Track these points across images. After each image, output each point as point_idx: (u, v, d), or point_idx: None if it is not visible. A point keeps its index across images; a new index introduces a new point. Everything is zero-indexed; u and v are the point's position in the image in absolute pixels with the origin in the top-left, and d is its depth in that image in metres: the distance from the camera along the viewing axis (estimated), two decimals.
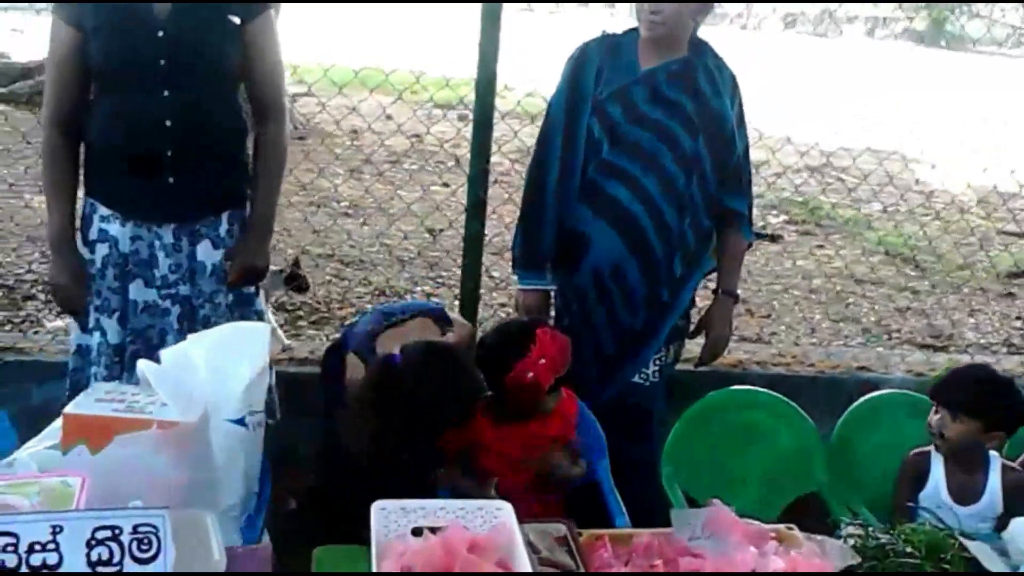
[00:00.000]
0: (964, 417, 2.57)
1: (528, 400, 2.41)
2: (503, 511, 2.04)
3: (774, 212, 7.35)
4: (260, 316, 2.84)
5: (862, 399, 2.97)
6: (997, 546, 2.26)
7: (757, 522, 2.18)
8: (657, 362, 2.91)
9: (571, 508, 2.51)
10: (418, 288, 5.05)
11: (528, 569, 1.85)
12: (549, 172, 2.83)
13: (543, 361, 2.35)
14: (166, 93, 2.50)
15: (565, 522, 2.11)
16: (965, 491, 2.64)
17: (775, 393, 2.92)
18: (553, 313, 3.01)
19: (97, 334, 2.65)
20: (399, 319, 2.64)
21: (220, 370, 2.21)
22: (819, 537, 2.14)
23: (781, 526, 2.19)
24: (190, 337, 2.29)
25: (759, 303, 5.35)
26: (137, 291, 2.62)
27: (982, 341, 5.03)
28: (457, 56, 5.43)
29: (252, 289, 2.77)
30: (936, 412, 2.63)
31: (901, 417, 2.88)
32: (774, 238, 6.69)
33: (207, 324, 2.64)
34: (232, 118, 2.66)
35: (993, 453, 2.67)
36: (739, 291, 2.99)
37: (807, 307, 5.45)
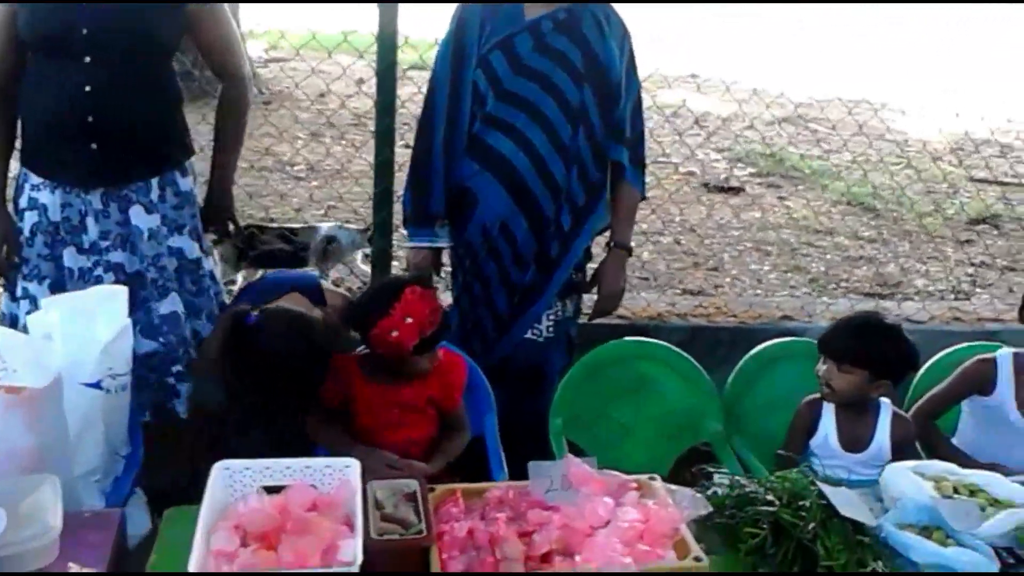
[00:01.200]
0: (848, 367, 2.55)
1: (395, 359, 2.39)
2: (351, 468, 2.04)
3: (740, 164, 7.28)
4: (212, 278, 2.87)
5: (755, 349, 2.94)
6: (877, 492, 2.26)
7: (618, 474, 2.18)
8: (551, 317, 2.89)
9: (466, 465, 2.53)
10: None
11: (359, 526, 1.85)
12: (436, 127, 2.79)
13: (409, 320, 2.32)
14: (87, 60, 2.52)
15: (419, 479, 2.10)
16: (854, 438, 2.63)
17: (667, 344, 2.90)
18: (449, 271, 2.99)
19: (25, 302, 2.68)
20: (272, 297, 2.59)
21: (75, 335, 2.21)
22: (674, 487, 2.13)
23: (644, 476, 2.18)
24: (44, 302, 2.29)
25: (707, 255, 5.31)
26: (71, 258, 2.65)
27: (930, 288, 4.98)
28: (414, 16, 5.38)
29: (199, 252, 2.78)
30: (824, 362, 2.61)
31: (799, 366, 2.84)
32: (735, 190, 6.63)
33: (158, 288, 2.69)
34: (160, 86, 2.68)
35: (885, 400, 2.66)
36: (632, 243, 2.94)
37: (758, 258, 5.42)
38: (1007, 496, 2.29)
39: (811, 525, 2.02)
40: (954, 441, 2.82)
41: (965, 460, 2.65)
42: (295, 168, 6.27)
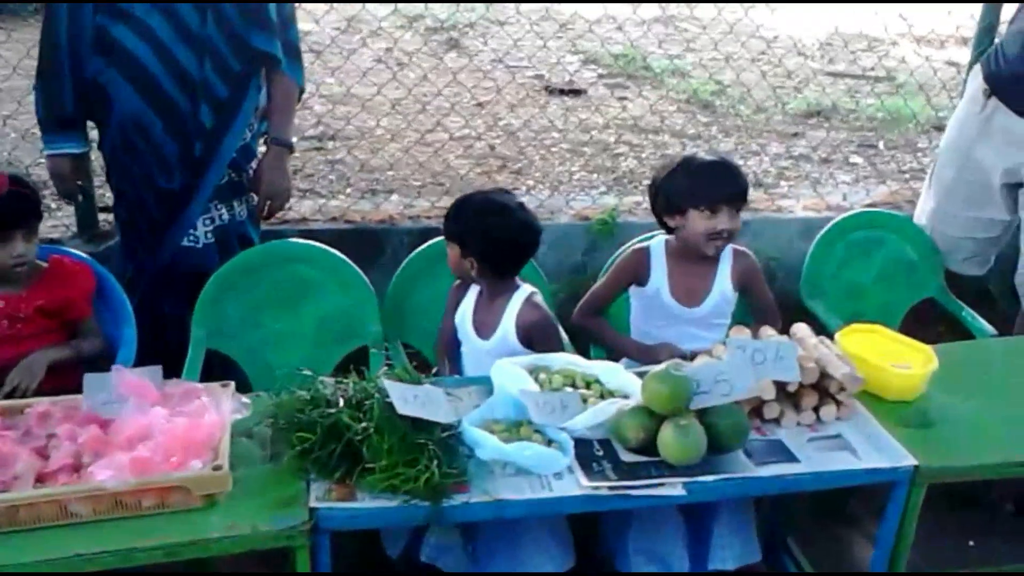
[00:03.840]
0: (448, 242, 2.45)
1: None
2: None
3: (592, 66, 7.06)
4: None
5: (422, 247, 2.79)
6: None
7: (183, 382, 2.04)
8: (208, 223, 2.71)
9: None
10: None
11: None
12: (59, 22, 2.58)
13: None
14: None
15: None
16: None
17: (321, 245, 2.74)
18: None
19: None
20: None
21: None
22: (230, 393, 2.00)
23: (216, 384, 2.04)
24: None
25: (514, 157, 5.13)
26: None
27: None
28: None
29: None
30: None
31: None
32: (577, 92, 6.41)
33: None
34: None
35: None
36: (294, 139, 2.75)
37: (570, 160, 5.24)
38: (619, 387, 2.17)
39: (363, 425, 1.88)
40: (632, 332, 2.70)
41: (633, 345, 2.56)
42: None
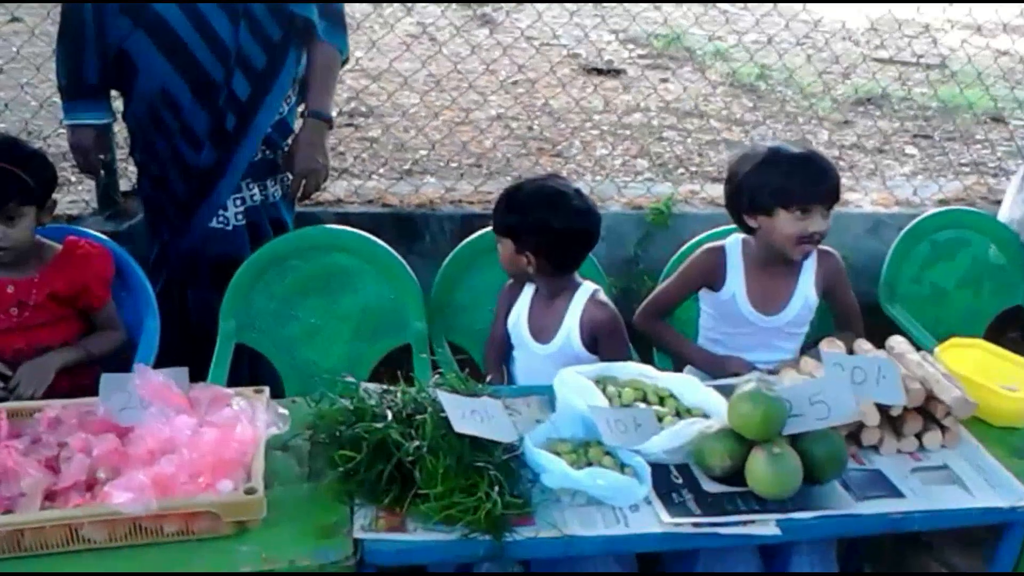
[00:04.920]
0: (499, 236, 2.22)
1: None
2: None
3: (630, 46, 6.78)
4: None
5: (470, 238, 2.55)
6: None
7: (212, 386, 1.82)
8: (239, 204, 2.48)
9: None
10: None
11: None
12: None
13: None
14: None
15: None
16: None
17: (361, 232, 2.51)
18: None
19: None
20: None
21: None
22: (264, 401, 1.77)
23: (250, 389, 1.81)
24: None
25: (555, 140, 4.88)
26: None
27: None
28: None
29: None
30: None
31: None
32: (616, 72, 6.15)
33: None
34: None
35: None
36: (333, 113, 2.52)
37: (613, 143, 4.98)
38: (697, 404, 1.94)
39: (415, 444, 1.65)
40: (700, 339, 2.46)
41: (701, 354, 2.32)
42: None
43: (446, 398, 1.73)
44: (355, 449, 1.68)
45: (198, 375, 2.16)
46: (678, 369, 2.40)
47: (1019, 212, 2.98)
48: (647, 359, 2.35)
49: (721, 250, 2.34)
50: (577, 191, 2.18)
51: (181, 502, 1.52)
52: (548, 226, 2.12)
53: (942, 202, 3.73)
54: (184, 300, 2.58)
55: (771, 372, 2.16)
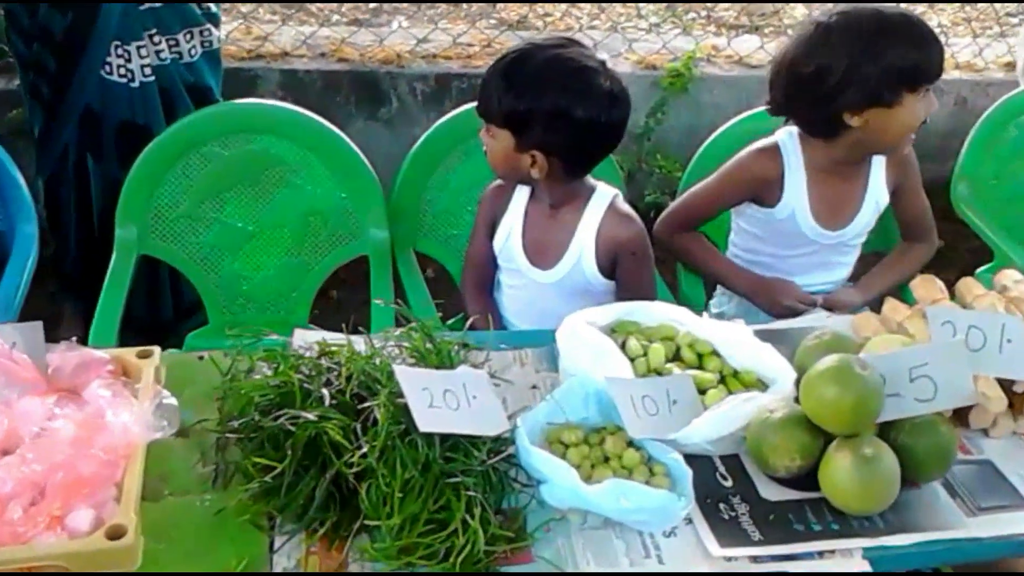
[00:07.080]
0: (494, 128, 1.63)
1: None
2: None
3: None
4: None
5: (439, 122, 1.98)
6: None
7: (76, 348, 1.29)
8: (143, 53, 1.92)
9: None
10: None
11: None
12: None
13: None
14: None
15: None
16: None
17: (306, 112, 1.94)
18: None
19: None
20: None
21: None
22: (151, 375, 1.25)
23: (131, 351, 1.29)
24: None
25: None
26: None
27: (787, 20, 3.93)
28: None
29: None
30: None
31: None
32: None
33: None
34: None
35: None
36: None
37: None
38: (751, 366, 1.43)
39: (361, 447, 1.15)
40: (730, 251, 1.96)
41: (742, 276, 1.83)
42: None
43: (408, 378, 1.21)
44: (277, 450, 1.18)
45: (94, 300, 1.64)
46: (710, 293, 1.89)
47: None
48: (669, 281, 1.85)
49: (776, 152, 1.78)
50: (603, 64, 1.59)
51: (6, 555, 1.02)
52: (568, 116, 1.55)
53: (1007, 65, 3.13)
54: (85, 179, 2.03)
55: (827, 308, 1.69)
